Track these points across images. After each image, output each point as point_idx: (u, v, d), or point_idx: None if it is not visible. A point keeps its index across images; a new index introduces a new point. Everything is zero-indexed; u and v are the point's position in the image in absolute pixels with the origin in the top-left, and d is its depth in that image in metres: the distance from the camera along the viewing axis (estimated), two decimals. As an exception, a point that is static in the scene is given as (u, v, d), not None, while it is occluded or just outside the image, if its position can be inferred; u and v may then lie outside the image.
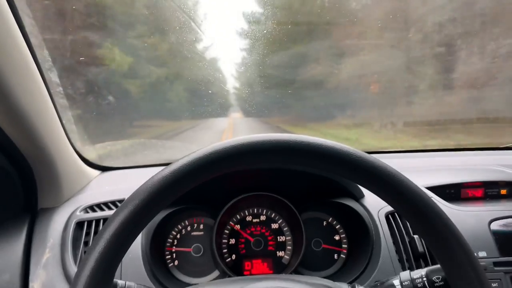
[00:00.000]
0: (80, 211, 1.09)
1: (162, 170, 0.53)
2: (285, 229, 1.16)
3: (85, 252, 1.01)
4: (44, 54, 1.01)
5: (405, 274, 0.72)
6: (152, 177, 0.52)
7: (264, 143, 0.54)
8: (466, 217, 1.08)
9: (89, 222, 1.06)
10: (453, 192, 1.25)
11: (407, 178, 0.55)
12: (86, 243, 1.03)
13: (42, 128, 0.96)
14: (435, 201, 0.55)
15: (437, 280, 0.67)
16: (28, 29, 0.87)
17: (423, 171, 1.41)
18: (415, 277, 0.70)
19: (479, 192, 1.26)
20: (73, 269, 0.95)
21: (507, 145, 1.73)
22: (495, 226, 1.05)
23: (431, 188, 1.21)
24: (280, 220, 1.17)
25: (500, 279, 0.97)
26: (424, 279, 0.69)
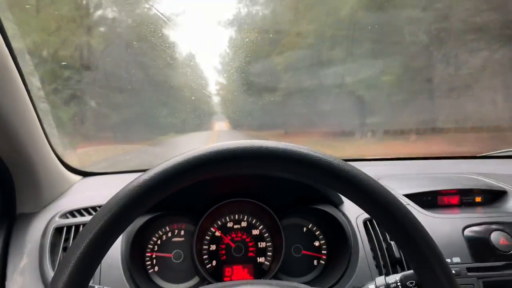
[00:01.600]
0: (60, 217, 1.08)
1: (137, 177, 0.53)
2: (265, 235, 1.17)
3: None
4: (25, 59, 1.01)
5: (381, 279, 0.74)
6: (128, 183, 0.53)
7: (238, 150, 0.54)
8: (441, 224, 1.11)
9: (68, 228, 1.05)
10: (430, 200, 1.27)
11: (381, 185, 0.56)
12: (65, 249, 1.02)
13: (23, 132, 0.95)
14: (411, 208, 0.56)
15: (411, 285, 0.69)
16: (9, 33, 0.87)
17: (401, 179, 1.44)
18: (390, 282, 0.72)
19: (455, 200, 1.29)
20: (50, 275, 0.94)
21: (483, 154, 1.79)
22: (468, 232, 1.08)
23: (408, 196, 1.23)
24: (261, 226, 1.18)
25: (473, 284, 1.00)
26: (399, 284, 0.71)
